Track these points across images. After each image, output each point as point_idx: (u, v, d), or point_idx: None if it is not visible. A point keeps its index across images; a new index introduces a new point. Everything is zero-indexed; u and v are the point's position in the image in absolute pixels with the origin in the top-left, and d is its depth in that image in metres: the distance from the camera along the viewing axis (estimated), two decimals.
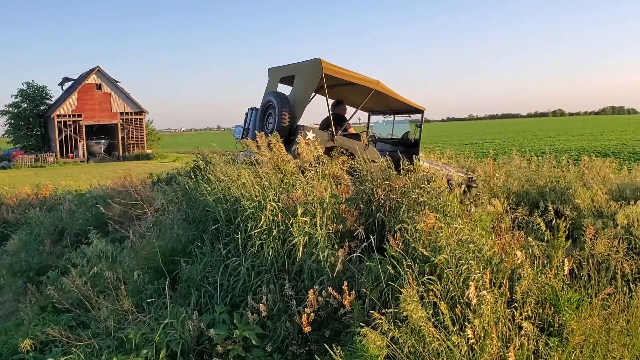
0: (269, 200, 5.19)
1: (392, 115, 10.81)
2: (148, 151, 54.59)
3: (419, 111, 9.78)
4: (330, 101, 9.38)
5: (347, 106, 9.84)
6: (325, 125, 9.33)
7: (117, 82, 54.59)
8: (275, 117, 8.26)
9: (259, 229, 5.07)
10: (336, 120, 8.83)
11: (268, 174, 5.92)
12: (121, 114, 54.19)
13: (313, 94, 9.00)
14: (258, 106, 9.26)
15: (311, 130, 8.14)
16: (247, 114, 9.80)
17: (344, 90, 9.38)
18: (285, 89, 9.45)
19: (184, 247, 5.90)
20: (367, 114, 11.43)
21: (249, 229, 5.13)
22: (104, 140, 55.43)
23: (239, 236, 5.14)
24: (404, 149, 9.28)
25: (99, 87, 53.22)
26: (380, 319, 3.91)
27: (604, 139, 49.11)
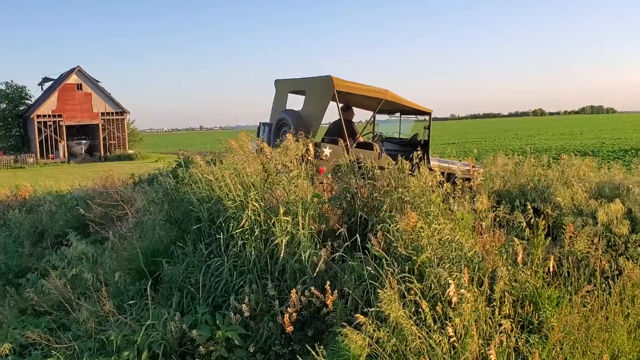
0: (251, 200, 5.17)
1: (399, 116, 11.01)
2: (130, 151, 54.14)
3: (427, 113, 10.11)
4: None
5: (354, 109, 10.05)
6: (334, 130, 9.52)
7: (98, 82, 54.08)
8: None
9: (241, 229, 5.05)
10: (347, 127, 9.00)
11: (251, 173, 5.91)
12: (102, 114, 53.66)
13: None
14: (266, 119, 9.33)
15: (327, 147, 8.36)
16: (259, 128, 10.06)
17: (354, 97, 9.58)
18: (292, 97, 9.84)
19: (166, 248, 5.85)
20: (372, 112, 11.37)
21: (231, 228, 5.11)
22: (85, 141, 54.86)
23: (221, 236, 5.12)
24: (414, 150, 9.12)
25: (79, 87, 52.63)
26: (363, 319, 3.92)
27: (583, 138, 49.74)
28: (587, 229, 6.06)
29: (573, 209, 6.79)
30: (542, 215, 6.26)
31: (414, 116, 10.99)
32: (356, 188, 5.95)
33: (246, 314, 4.62)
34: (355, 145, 8.95)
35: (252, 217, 5.13)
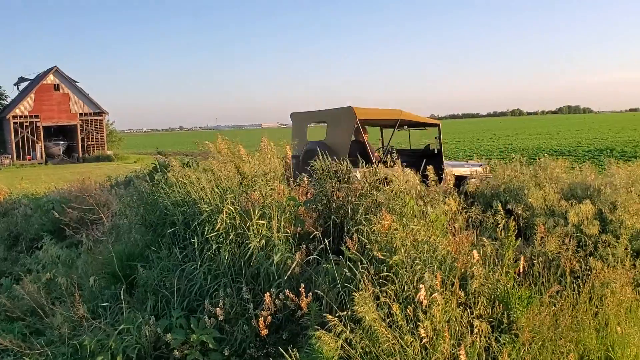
0: (227, 204, 5.19)
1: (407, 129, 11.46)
2: (109, 152, 53.59)
3: (436, 125, 10.90)
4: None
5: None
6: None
7: (76, 82, 53.45)
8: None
9: (216, 233, 5.07)
10: (364, 148, 9.69)
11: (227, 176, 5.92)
12: (80, 114, 53.04)
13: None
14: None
15: (357, 171, 8.53)
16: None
17: (372, 121, 10.52)
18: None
19: (141, 252, 5.85)
20: (379, 128, 11.90)
21: (205, 232, 5.12)
22: (62, 142, 54.15)
23: (196, 240, 5.13)
24: (430, 159, 10.12)
25: (57, 87, 51.98)
26: (334, 321, 3.96)
27: (560, 138, 50.38)
28: (558, 229, 6.16)
29: (545, 209, 6.89)
30: (513, 216, 6.35)
31: (425, 128, 11.67)
32: (331, 191, 6.00)
33: (221, 317, 4.64)
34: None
35: (227, 221, 5.14)
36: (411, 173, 8.94)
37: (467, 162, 11.98)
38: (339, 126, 9.68)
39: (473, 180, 9.07)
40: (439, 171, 8.73)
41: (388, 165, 9.10)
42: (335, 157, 7.91)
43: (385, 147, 11.32)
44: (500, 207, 6.00)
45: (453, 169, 10.00)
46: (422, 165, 8.79)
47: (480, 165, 10.78)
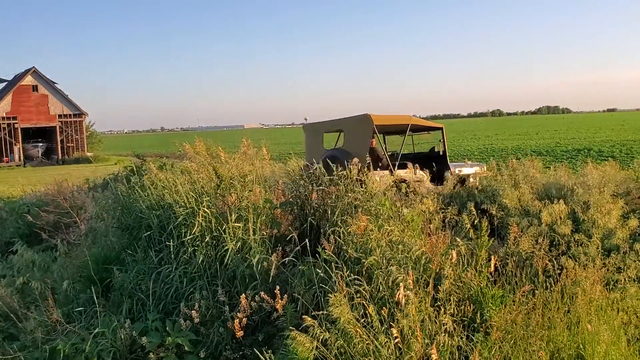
0: (203, 207, 5.19)
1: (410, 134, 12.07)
2: (88, 154, 52.97)
3: (439, 128, 11.64)
4: None
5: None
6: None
7: (54, 83, 52.79)
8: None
9: (192, 236, 5.07)
10: (374, 153, 10.25)
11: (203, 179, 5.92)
12: (60, 116, 52.39)
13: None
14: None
15: (377, 175, 9.13)
16: (302, 169, 10.65)
17: (386, 127, 11.10)
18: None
19: (117, 255, 5.83)
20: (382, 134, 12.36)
21: (181, 235, 5.12)
22: (41, 144, 53.42)
23: (171, 243, 5.13)
24: (435, 161, 11.04)
25: (35, 88, 51.27)
26: (311, 322, 3.99)
27: (539, 138, 50.91)
28: (532, 229, 6.26)
29: (520, 209, 7.00)
30: (486, 216, 6.44)
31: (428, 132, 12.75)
32: (307, 194, 6.02)
33: (196, 320, 4.64)
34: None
35: (203, 224, 5.15)
36: (424, 174, 9.65)
37: (466, 162, 12.58)
38: (356, 133, 10.24)
39: (472, 179, 9.73)
40: (446, 172, 9.54)
41: (396, 168, 9.96)
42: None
43: (395, 152, 11.77)
44: (473, 208, 6.08)
45: (457, 169, 10.69)
46: (434, 167, 9.94)
47: (478, 165, 11.56)
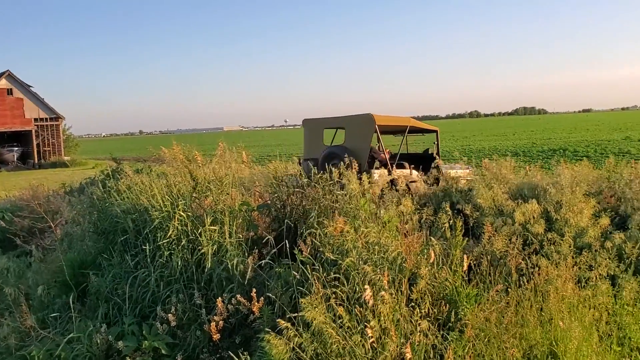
0: (178, 210, 5.19)
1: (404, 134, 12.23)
2: (65, 158, 52.31)
3: (434, 131, 12.13)
4: None
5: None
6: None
7: (30, 86, 52.04)
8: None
9: (168, 239, 5.07)
10: (373, 152, 10.55)
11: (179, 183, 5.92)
12: (35, 120, 51.66)
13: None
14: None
15: (376, 172, 9.66)
16: (299, 163, 11.16)
17: (387, 127, 11.30)
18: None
19: (93, 259, 5.80)
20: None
21: (157, 239, 5.12)
22: (17, 148, 52.62)
23: (147, 247, 5.12)
24: (429, 162, 11.20)
25: (9, 92, 50.48)
26: (286, 325, 4.02)
27: (515, 139, 51.53)
28: (505, 228, 6.35)
29: (494, 209, 7.09)
30: (460, 216, 6.51)
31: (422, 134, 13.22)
32: (286, 196, 6.05)
33: (173, 323, 4.65)
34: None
35: (179, 227, 5.15)
36: (419, 175, 9.89)
37: (455, 164, 12.86)
38: (358, 131, 10.44)
39: (463, 180, 9.73)
40: (439, 173, 9.83)
41: (394, 168, 10.21)
42: (356, 160, 8.48)
43: (391, 152, 11.94)
44: (448, 208, 6.15)
45: (450, 171, 10.80)
46: (430, 167, 10.05)
47: (468, 168, 11.78)
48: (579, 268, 5.76)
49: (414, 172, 10.55)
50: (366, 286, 4.22)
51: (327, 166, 9.91)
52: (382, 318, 4.20)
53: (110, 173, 6.58)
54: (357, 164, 8.01)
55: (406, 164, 10.86)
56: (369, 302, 4.17)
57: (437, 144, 11.98)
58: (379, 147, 12.05)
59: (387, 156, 10.69)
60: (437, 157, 11.39)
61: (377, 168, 9.94)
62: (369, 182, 7.74)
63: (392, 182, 9.41)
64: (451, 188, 8.02)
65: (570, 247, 6.10)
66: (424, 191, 8.88)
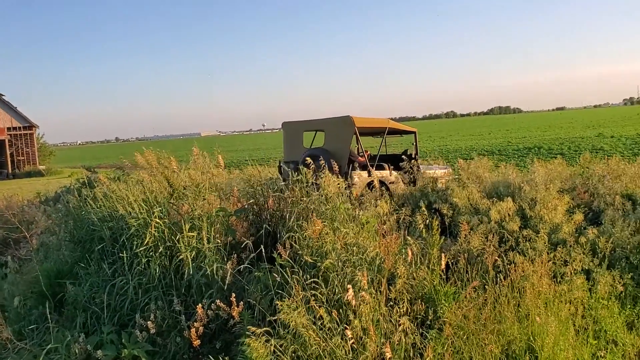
0: (155, 217, 5.17)
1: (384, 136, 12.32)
2: (41, 167, 51.54)
3: (412, 132, 12.30)
4: None
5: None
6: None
7: (2, 95, 51.23)
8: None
9: (145, 247, 5.04)
10: (352, 155, 10.71)
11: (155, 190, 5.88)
12: (8, 129, 50.81)
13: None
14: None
15: (356, 175, 9.80)
16: (280, 166, 11.20)
17: (366, 129, 11.41)
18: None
19: (70, 269, 5.74)
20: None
21: (134, 247, 5.09)
22: None
23: (125, 255, 5.09)
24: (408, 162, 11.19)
25: None
26: (259, 331, 4.03)
27: (491, 138, 52.10)
28: (482, 226, 6.43)
29: (470, 208, 7.18)
30: (436, 216, 6.58)
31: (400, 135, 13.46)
32: (263, 200, 6.06)
33: (152, 330, 4.62)
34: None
35: (156, 234, 5.12)
36: (398, 177, 10.03)
37: (433, 165, 13.41)
38: (338, 133, 10.51)
39: (442, 180, 9.98)
40: (417, 173, 10.05)
41: (374, 169, 10.36)
42: (336, 162, 8.49)
43: (370, 154, 12.28)
44: (424, 208, 6.20)
45: (428, 171, 11.06)
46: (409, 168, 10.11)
47: (446, 169, 12.14)
48: (555, 264, 5.86)
49: (394, 173, 10.66)
50: (349, 286, 4.25)
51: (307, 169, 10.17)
52: (362, 318, 4.23)
53: (86, 181, 6.51)
54: (337, 166, 8.13)
55: (385, 165, 10.96)
56: (351, 303, 4.19)
57: (416, 145, 12.12)
58: (357, 149, 12.17)
59: (367, 157, 10.78)
60: (416, 158, 11.66)
61: (357, 170, 10.02)
62: (348, 185, 7.83)
63: (371, 184, 9.50)
64: (428, 188, 8.10)
65: (545, 243, 6.20)
66: (402, 192, 8.98)
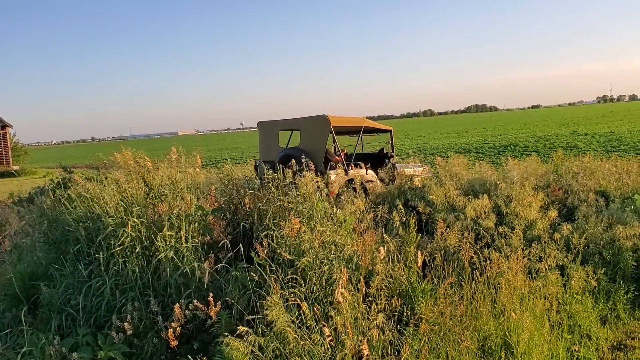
0: (132, 217, 5.12)
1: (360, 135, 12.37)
2: (15, 167, 50.67)
3: (388, 130, 12.45)
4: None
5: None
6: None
7: None
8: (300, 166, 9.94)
9: (122, 247, 4.99)
10: (329, 154, 10.73)
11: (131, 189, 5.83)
12: None
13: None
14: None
15: (333, 174, 9.74)
16: (256, 165, 11.33)
17: (342, 128, 11.49)
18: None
19: (45, 270, 5.65)
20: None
21: (111, 247, 5.03)
22: None
23: (101, 255, 5.03)
24: (384, 161, 11.58)
25: None
26: (244, 329, 4.02)
27: (468, 136, 52.51)
28: (458, 223, 6.49)
29: (446, 205, 7.24)
30: (413, 213, 6.63)
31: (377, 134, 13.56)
32: (240, 198, 6.04)
33: (129, 332, 4.57)
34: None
35: (133, 234, 5.07)
36: (375, 175, 10.14)
37: (409, 163, 13.45)
38: (314, 132, 10.54)
39: (418, 178, 10.18)
40: (394, 171, 10.20)
41: (364, 168, 10.53)
42: (312, 161, 8.57)
43: (347, 152, 12.28)
44: (401, 205, 6.24)
45: (405, 169, 11.27)
46: (379, 166, 10.41)
47: (422, 167, 12.33)
48: (530, 260, 5.95)
49: (370, 172, 10.74)
50: (339, 283, 4.26)
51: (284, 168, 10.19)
52: (341, 315, 4.24)
53: (60, 181, 6.42)
54: (313, 165, 8.15)
55: (362, 164, 11.05)
56: (339, 300, 4.21)
57: (392, 143, 12.24)
58: (334, 148, 12.25)
59: (343, 156, 10.83)
60: (392, 156, 11.81)
61: (333, 168, 10.07)
62: (325, 183, 7.88)
63: (349, 182, 9.55)
64: (405, 185, 8.15)
65: (520, 239, 6.29)
66: (380, 190, 9.04)
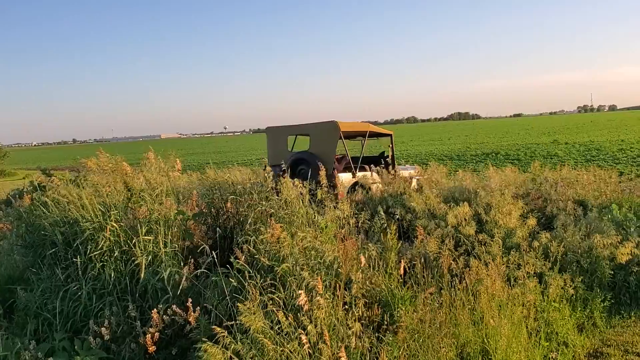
0: (110, 221, 5.08)
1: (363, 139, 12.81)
2: None
3: (389, 135, 12.90)
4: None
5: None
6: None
7: None
8: (310, 169, 10.22)
9: (99, 251, 4.95)
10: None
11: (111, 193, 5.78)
12: None
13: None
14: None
15: (342, 176, 10.22)
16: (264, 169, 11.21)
17: (349, 133, 11.90)
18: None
19: (21, 274, 5.59)
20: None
21: (88, 251, 4.99)
22: None
23: (78, 259, 4.98)
24: (385, 164, 11.93)
25: None
26: (223, 333, 4.00)
27: (451, 143, 52.88)
28: (438, 231, 6.53)
29: (427, 212, 7.28)
30: (395, 220, 6.66)
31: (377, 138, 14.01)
32: (221, 203, 6.03)
33: (107, 337, 4.53)
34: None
35: (112, 238, 5.03)
36: (377, 178, 10.32)
37: (406, 165, 14.27)
38: (324, 138, 11.03)
39: (414, 180, 10.68)
40: (394, 174, 10.59)
41: (369, 171, 10.94)
42: (323, 164, 8.55)
43: (352, 157, 12.54)
44: (382, 212, 6.26)
45: (403, 171, 11.72)
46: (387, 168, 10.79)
47: (414, 168, 12.80)
48: (508, 267, 6.00)
49: (374, 174, 11.12)
50: (300, 291, 4.25)
51: (295, 171, 10.82)
52: (318, 323, 4.24)
53: (37, 185, 6.35)
54: (324, 169, 8.35)
55: (367, 167, 11.45)
56: (304, 307, 4.20)
57: (392, 147, 12.74)
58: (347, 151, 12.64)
59: (350, 160, 11.39)
60: (394, 159, 12.37)
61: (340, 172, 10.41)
62: (332, 186, 8.12)
63: (355, 185, 9.82)
64: (385, 192, 8.19)
65: (499, 247, 6.33)
66: (381, 193, 9.25)
